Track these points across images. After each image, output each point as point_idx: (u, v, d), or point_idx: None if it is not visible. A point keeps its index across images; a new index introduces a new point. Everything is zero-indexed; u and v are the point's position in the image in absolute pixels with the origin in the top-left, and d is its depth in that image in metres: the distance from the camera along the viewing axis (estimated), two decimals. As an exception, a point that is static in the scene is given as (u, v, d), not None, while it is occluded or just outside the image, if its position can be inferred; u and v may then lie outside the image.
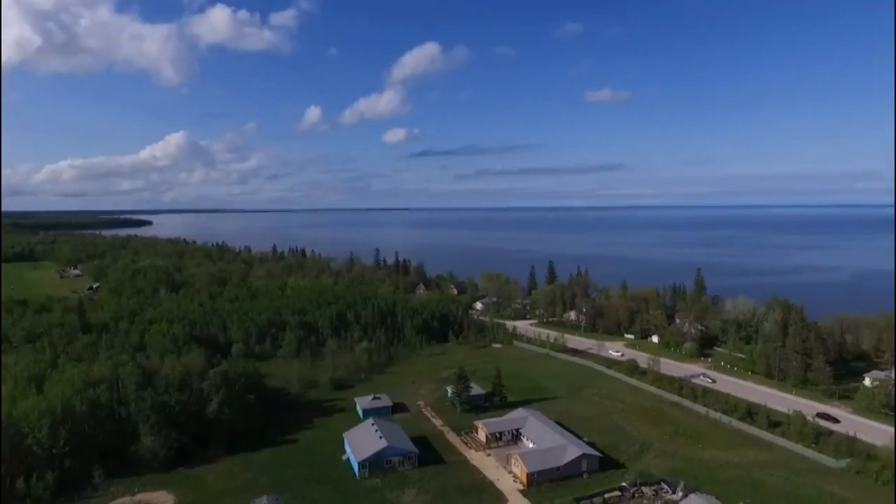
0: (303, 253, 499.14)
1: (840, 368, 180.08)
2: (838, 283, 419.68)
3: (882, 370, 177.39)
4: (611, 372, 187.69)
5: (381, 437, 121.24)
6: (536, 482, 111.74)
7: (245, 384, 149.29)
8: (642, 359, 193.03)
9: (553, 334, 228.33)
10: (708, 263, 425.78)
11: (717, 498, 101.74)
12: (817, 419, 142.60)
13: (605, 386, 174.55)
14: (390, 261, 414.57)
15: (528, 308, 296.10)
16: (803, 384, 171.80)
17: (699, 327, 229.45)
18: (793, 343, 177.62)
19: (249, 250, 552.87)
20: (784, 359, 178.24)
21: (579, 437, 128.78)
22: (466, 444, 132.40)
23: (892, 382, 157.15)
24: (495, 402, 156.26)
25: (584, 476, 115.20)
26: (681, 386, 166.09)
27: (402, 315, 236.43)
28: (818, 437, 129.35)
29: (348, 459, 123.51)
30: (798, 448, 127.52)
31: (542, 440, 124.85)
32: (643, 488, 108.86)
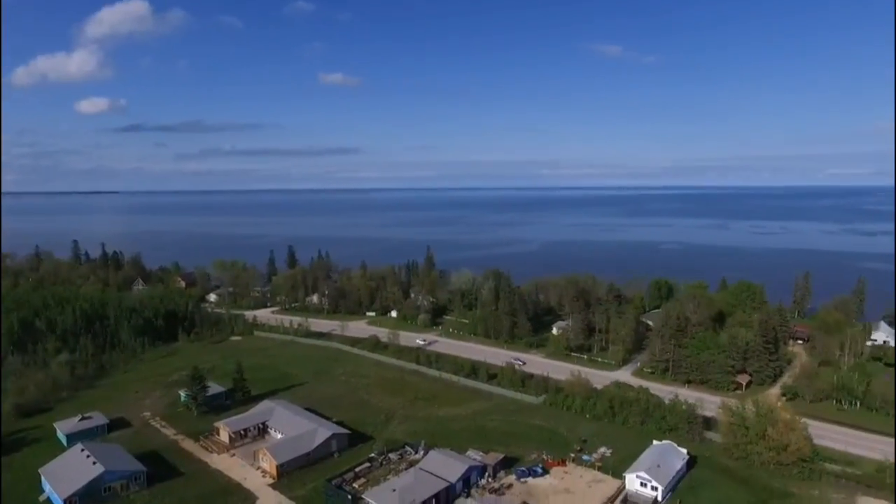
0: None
1: (536, 323, 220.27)
2: (532, 253, 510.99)
3: (563, 321, 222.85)
4: (356, 350, 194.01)
5: (94, 463, 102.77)
6: (286, 472, 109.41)
7: None
8: (383, 333, 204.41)
9: (297, 320, 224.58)
10: (437, 241, 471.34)
11: (451, 449, 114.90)
12: (514, 362, 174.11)
13: (351, 364, 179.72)
14: (95, 254, 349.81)
15: (269, 295, 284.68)
16: (512, 339, 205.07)
17: (430, 299, 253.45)
18: (503, 306, 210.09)
19: None
20: (497, 320, 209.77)
21: (328, 419, 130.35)
22: (207, 449, 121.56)
23: (572, 330, 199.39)
24: (238, 399, 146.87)
25: (336, 455, 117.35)
26: (418, 355, 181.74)
27: (116, 316, 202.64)
28: (523, 381, 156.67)
29: (48, 500, 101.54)
30: (510, 393, 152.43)
31: (291, 429, 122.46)
32: (390, 455, 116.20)
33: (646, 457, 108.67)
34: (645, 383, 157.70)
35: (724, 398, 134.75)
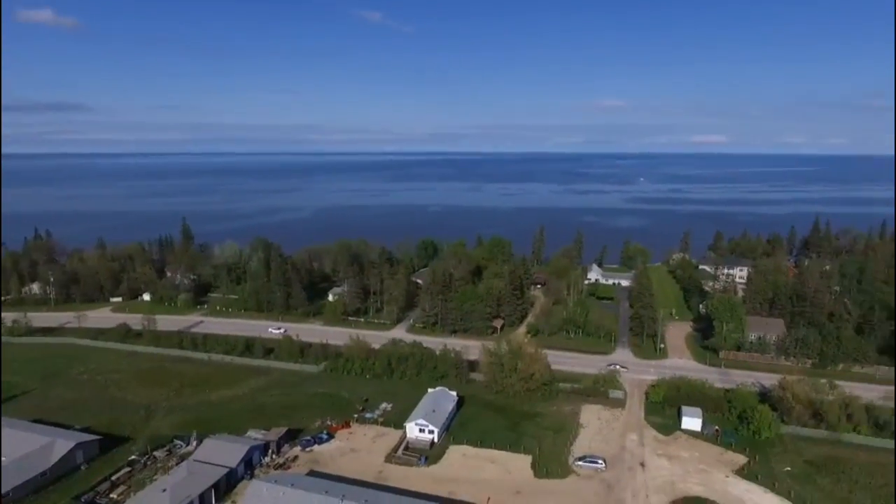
0: None
1: (311, 291, 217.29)
2: (303, 220, 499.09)
3: (338, 286, 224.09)
4: (99, 343, 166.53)
5: None
6: (18, 500, 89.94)
7: None
8: (136, 320, 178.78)
9: (11, 316, 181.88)
10: (194, 213, 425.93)
11: (229, 433, 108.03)
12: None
13: (94, 361, 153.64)
14: None
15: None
16: (287, 310, 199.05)
17: (192, 277, 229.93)
18: (275, 277, 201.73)
19: None
20: (270, 292, 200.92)
21: (69, 428, 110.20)
22: None
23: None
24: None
25: (83, 468, 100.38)
26: (181, 339, 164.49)
27: None
28: (302, 351, 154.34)
29: None
30: (289, 366, 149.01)
31: (17, 449, 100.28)
32: (155, 453, 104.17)
33: (422, 405, 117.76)
34: (418, 338, 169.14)
35: (483, 342, 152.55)
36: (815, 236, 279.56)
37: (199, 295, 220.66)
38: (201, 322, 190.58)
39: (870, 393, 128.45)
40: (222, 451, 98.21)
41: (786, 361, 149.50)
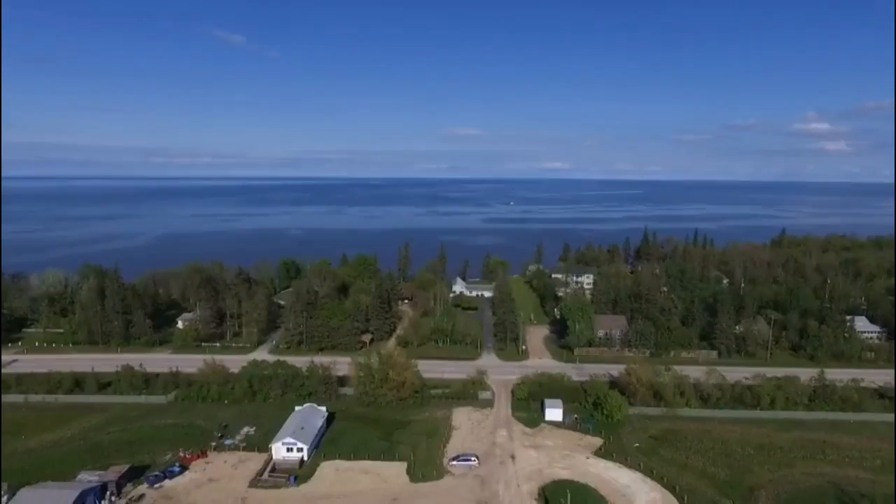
0: None
1: (158, 319, 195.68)
2: (142, 247, 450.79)
3: (189, 312, 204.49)
4: None
5: None
6: None
7: None
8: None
9: None
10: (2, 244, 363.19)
11: (53, 480, 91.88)
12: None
13: None
14: None
15: None
16: (127, 341, 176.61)
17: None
18: (111, 303, 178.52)
19: None
20: (105, 321, 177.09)
21: None
22: None
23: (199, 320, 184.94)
24: None
25: None
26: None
27: None
28: (147, 382, 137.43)
29: None
30: (131, 398, 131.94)
31: None
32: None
33: (289, 423, 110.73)
34: (283, 359, 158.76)
35: (353, 357, 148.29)
36: (646, 245, 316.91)
37: (12, 332, 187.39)
38: (14, 361, 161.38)
39: (695, 373, 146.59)
40: (45, 501, 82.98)
41: (629, 353, 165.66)
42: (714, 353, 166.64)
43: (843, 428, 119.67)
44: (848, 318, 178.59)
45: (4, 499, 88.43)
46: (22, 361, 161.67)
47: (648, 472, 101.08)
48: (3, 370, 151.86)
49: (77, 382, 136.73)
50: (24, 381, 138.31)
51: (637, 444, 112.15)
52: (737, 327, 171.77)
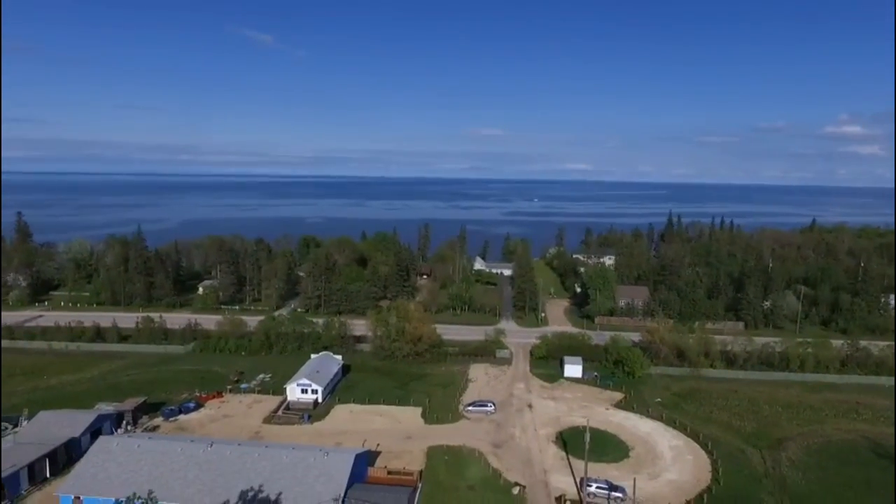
0: None
1: (180, 287, 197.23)
2: (167, 230, 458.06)
3: (209, 280, 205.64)
4: None
5: None
6: None
7: None
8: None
9: None
10: (32, 224, 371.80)
11: (69, 409, 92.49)
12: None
13: None
14: None
15: None
16: (149, 302, 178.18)
17: (30, 273, 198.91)
18: (135, 265, 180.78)
19: None
20: (129, 282, 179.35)
21: None
22: None
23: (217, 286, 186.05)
24: None
25: None
26: (12, 331, 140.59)
27: None
28: (166, 334, 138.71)
29: None
30: (151, 348, 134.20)
31: None
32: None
33: (305, 368, 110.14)
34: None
35: (370, 312, 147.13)
36: (670, 230, 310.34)
37: (39, 294, 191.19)
38: (41, 316, 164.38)
39: (721, 340, 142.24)
40: (61, 423, 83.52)
41: (651, 322, 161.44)
42: (741, 325, 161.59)
43: (878, 391, 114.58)
44: (882, 296, 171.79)
45: (24, 423, 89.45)
46: (47, 317, 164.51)
47: (671, 423, 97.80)
48: (31, 324, 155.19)
49: (99, 332, 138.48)
50: (49, 332, 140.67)
51: (659, 400, 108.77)
52: (765, 302, 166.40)
